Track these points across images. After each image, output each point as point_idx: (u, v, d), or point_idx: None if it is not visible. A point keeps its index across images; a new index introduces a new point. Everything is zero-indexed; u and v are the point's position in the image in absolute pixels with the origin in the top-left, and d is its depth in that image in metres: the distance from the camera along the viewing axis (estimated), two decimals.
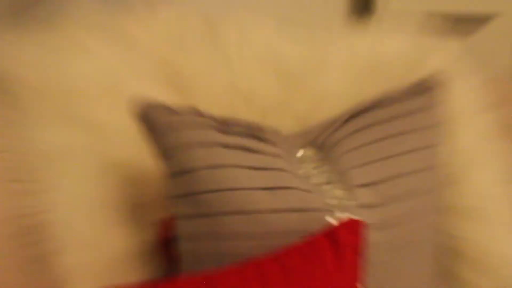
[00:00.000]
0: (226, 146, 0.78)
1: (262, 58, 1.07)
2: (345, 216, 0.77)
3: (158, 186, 0.93)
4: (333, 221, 0.76)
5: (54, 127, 0.87)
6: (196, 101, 1.02)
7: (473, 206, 0.94)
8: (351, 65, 1.01)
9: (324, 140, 0.86)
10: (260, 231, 0.75)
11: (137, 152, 0.92)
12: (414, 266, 0.84)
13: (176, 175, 0.79)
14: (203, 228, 0.77)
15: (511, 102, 1.00)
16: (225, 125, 0.81)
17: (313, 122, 0.97)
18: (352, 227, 0.71)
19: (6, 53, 0.92)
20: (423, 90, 0.90)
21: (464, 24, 1.46)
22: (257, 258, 0.68)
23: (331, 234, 0.70)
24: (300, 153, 0.85)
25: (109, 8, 1.11)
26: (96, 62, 0.96)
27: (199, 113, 0.80)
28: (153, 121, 0.80)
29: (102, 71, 0.95)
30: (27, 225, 0.84)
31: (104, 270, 0.87)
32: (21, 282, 0.83)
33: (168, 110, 0.80)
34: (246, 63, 1.07)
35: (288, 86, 1.03)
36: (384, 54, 1.01)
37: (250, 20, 1.13)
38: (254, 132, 0.81)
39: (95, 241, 0.84)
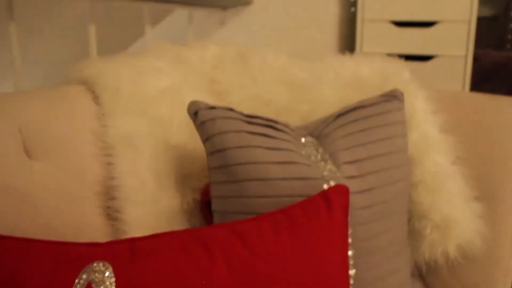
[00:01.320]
0: (250, 132, 0.76)
1: (277, 76, 1.08)
2: (335, 183, 0.72)
3: (201, 162, 0.90)
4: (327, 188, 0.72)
5: (127, 119, 0.86)
6: (230, 105, 1.00)
7: (433, 180, 0.92)
8: (339, 81, 0.99)
9: (320, 131, 0.85)
10: (273, 194, 0.73)
11: (187, 138, 0.89)
12: (389, 224, 0.82)
13: (213, 153, 0.77)
14: (230, 192, 0.75)
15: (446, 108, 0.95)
16: (249, 118, 0.79)
17: (312, 119, 0.94)
18: (340, 191, 0.68)
19: (101, 70, 0.94)
20: (391, 97, 0.86)
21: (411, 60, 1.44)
22: (270, 212, 0.63)
23: (325, 195, 0.67)
24: (303, 140, 0.82)
25: (175, 43, 1.15)
26: (163, 77, 0.94)
27: (231, 110, 0.77)
28: (199, 114, 0.77)
29: (166, 83, 0.96)
30: (108, 185, 0.80)
31: (157, 222, 0.88)
32: (102, 228, 0.79)
33: (210, 107, 0.77)
34: (266, 80, 1.08)
35: (295, 95, 1.05)
36: (362, 73, 0.97)
37: (269, 51, 1.11)
38: (271, 124, 0.80)
39: (150, 200, 0.82)
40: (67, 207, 0.79)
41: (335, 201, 0.69)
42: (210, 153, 0.81)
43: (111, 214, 0.83)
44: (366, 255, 0.80)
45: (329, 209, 0.68)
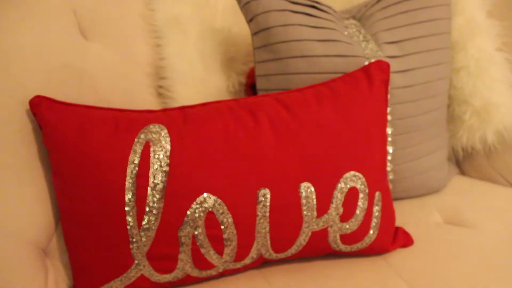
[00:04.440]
0: (294, 11, 0.78)
1: None
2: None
3: (245, 47, 0.92)
4: None
5: (173, 2, 0.86)
6: None
7: (475, 65, 0.91)
8: None
9: (363, 14, 0.86)
10: (315, 70, 0.75)
11: (232, 22, 0.90)
12: (428, 106, 0.83)
13: (258, 33, 0.79)
14: (274, 70, 0.78)
15: None
16: None
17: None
18: (380, 66, 0.71)
19: None
20: None
21: None
22: (313, 84, 0.65)
23: (366, 69, 0.70)
24: (346, 22, 0.81)
25: None
26: None
27: None
28: None
29: None
30: (157, 66, 0.84)
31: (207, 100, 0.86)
32: (155, 106, 0.84)
33: None
34: None
35: None
36: None
37: None
38: (314, 4, 0.82)
39: (198, 80, 0.85)
40: (123, 85, 0.84)
41: (375, 76, 0.71)
42: (254, 33, 0.82)
43: (163, 93, 0.88)
44: (403, 133, 0.82)
45: (369, 82, 0.70)
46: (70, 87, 0.75)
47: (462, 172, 1.00)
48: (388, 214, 0.70)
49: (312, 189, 0.62)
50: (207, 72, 0.90)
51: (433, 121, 0.85)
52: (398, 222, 0.75)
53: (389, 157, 0.81)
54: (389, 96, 0.79)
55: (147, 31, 0.89)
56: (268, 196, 0.62)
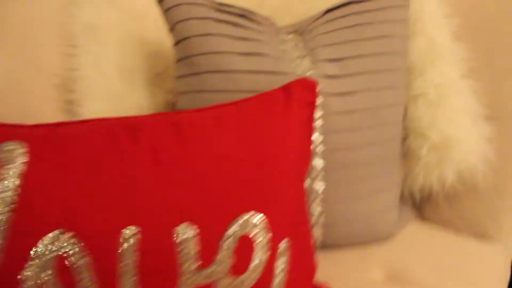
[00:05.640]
0: (217, 20, 0.66)
1: None
2: None
3: (172, 60, 0.80)
4: None
5: (96, 7, 0.76)
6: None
7: (435, 93, 0.78)
8: None
9: (306, 27, 0.71)
10: (235, 88, 0.64)
11: (164, 34, 0.80)
12: (373, 137, 0.69)
13: (178, 43, 0.68)
14: (192, 86, 0.67)
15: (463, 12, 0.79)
16: (222, 6, 0.68)
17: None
18: (305, 85, 0.57)
19: None
20: None
21: None
22: (221, 104, 0.54)
23: (286, 88, 0.57)
24: (284, 36, 0.69)
25: None
26: None
27: None
28: (164, 0, 0.66)
29: None
30: (67, 78, 0.73)
31: None
32: (61, 118, 0.73)
33: None
34: None
35: None
36: None
37: None
38: (246, 14, 0.70)
39: (114, 96, 0.73)
40: (19, 97, 0.73)
41: (297, 96, 0.58)
42: (175, 44, 0.71)
43: (72, 109, 0.77)
44: (339, 168, 0.69)
45: (288, 104, 0.58)
46: None
47: (422, 216, 0.87)
48: (301, 268, 0.57)
49: (193, 232, 0.50)
50: (126, 88, 0.79)
51: (379, 156, 0.72)
52: (325, 277, 0.62)
53: (318, 196, 0.69)
54: (321, 122, 0.67)
55: (61, 38, 0.79)
56: (136, 237, 0.49)
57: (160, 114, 0.58)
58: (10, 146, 0.51)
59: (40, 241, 0.48)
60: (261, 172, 0.54)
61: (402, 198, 0.82)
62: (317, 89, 0.61)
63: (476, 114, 0.78)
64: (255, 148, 0.54)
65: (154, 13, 0.84)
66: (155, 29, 0.84)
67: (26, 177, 0.50)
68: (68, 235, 0.48)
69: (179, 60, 0.71)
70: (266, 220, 0.52)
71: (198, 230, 0.50)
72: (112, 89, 0.77)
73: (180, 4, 0.70)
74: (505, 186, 0.79)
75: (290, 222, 0.56)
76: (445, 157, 0.77)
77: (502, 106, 0.79)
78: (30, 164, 0.50)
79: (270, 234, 0.53)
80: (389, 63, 0.72)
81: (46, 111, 0.76)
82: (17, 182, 0.50)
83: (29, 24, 0.77)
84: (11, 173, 0.50)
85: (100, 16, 0.79)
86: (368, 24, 0.72)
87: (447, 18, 0.81)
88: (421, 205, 0.86)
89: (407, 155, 0.80)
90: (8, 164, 0.50)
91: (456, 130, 0.77)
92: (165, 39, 0.84)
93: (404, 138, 0.80)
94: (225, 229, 0.51)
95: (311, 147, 0.64)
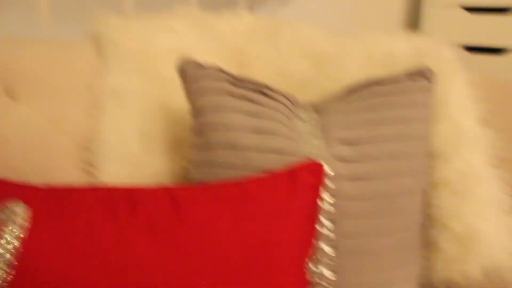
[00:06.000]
0: (232, 95, 0.67)
1: (303, 49, 0.96)
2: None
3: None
4: None
5: (124, 73, 0.79)
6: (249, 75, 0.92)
7: (460, 182, 0.74)
8: (368, 57, 0.86)
9: (324, 106, 0.70)
10: (244, 165, 0.64)
11: (182, 100, 0.82)
12: (389, 225, 0.65)
13: (194, 114, 0.69)
14: (203, 159, 0.67)
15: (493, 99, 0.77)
16: (239, 81, 0.69)
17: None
18: (313, 169, 0.55)
19: (113, 26, 0.89)
20: (417, 76, 0.71)
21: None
22: (224, 182, 0.53)
23: (291, 171, 0.55)
24: (302, 114, 0.69)
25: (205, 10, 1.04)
26: (174, 38, 0.87)
27: (220, 70, 0.69)
28: (184, 72, 0.69)
29: (176, 44, 0.88)
30: (89, 138, 0.75)
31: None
32: (76, 180, 0.74)
33: (197, 65, 0.70)
34: (291, 52, 0.95)
35: (317, 69, 0.92)
36: (395, 51, 0.82)
37: (302, 23, 0.99)
38: (262, 89, 0.69)
39: (132, 161, 0.75)
40: (42, 153, 0.76)
41: (302, 180, 0.57)
42: (191, 115, 0.73)
43: (88, 168, 0.79)
44: (352, 256, 0.66)
45: (292, 188, 0.56)
46: None
47: None
48: None
49: None
50: (145, 153, 0.80)
51: (395, 245, 0.68)
52: None
53: (327, 283, 0.64)
54: (333, 208, 0.64)
55: (88, 100, 0.82)
56: None
57: (162, 188, 0.57)
58: (14, 206, 0.52)
59: None
60: (255, 253, 0.52)
61: None
62: (324, 173, 0.59)
63: (503, 206, 0.73)
64: (253, 231, 0.52)
65: (178, 81, 0.87)
66: (178, 96, 0.86)
67: (25, 240, 0.50)
68: None
69: (193, 130, 0.71)
70: None
71: None
72: (131, 154, 0.78)
73: (199, 77, 0.71)
74: None
75: None
76: (468, 250, 0.71)
77: None
78: (31, 227, 0.51)
79: None
80: (408, 147, 0.69)
81: (65, 169, 0.78)
82: (16, 244, 0.50)
83: (60, 84, 0.81)
84: (11, 235, 0.51)
85: (126, 82, 0.82)
86: (387, 107, 0.70)
87: (474, 103, 0.79)
88: None
89: (427, 245, 0.76)
90: (8, 225, 0.51)
91: (481, 222, 0.72)
92: (187, 107, 0.86)
93: (425, 227, 0.75)
94: None
95: (320, 231, 0.62)
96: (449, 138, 0.76)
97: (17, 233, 0.51)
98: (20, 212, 0.52)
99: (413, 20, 1.53)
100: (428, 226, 0.75)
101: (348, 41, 0.94)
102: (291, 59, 0.96)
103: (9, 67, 0.77)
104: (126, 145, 0.79)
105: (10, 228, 0.51)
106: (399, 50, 0.86)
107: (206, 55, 0.93)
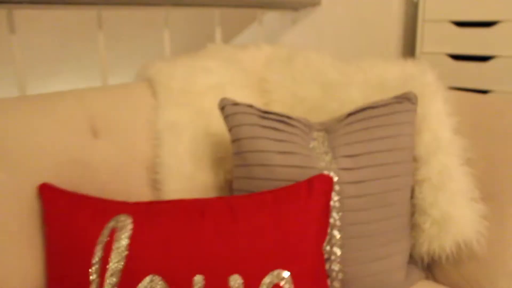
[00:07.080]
0: (262, 126, 0.92)
1: (314, 77, 1.23)
2: (328, 173, 0.89)
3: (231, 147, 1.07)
4: None
5: (174, 110, 1.05)
6: (271, 101, 1.24)
7: (437, 179, 0.99)
8: (366, 82, 1.13)
9: (332, 127, 0.96)
10: (273, 178, 0.89)
11: (225, 128, 1.08)
12: (382, 213, 0.91)
13: (233, 141, 0.94)
14: (243, 174, 0.92)
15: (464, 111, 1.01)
16: (264, 114, 0.95)
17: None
18: (325, 180, 0.81)
19: (160, 70, 1.15)
20: (403, 99, 0.98)
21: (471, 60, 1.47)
22: (263, 191, 0.80)
23: (309, 181, 0.81)
24: (315, 134, 0.95)
25: (231, 46, 1.34)
26: (211, 75, 1.13)
27: (250, 106, 0.94)
28: (225, 109, 0.94)
29: (213, 81, 1.15)
30: (153, 162, 1.02)
31: (192, 195, 1.05)
32: (147, 196, 1.00)
33: (234, 103, 0.94)
34: (304, 80, 1.22)
35: (327, 94, 1.20)
36: (387, 76, 1.08)
37: (313, 53, 1.25)
38: (283, 119, 0.94)
39: (187, 177, 1.01)
40: (121, 176, 1.03)
41: (317, 187, 0.83)
42: (232, 141, 0.99)
43: (156, 186, 1.06)
44: (355, 238, 0.91)
45: (309, 193, 0.82)
46: (74, 175, 0.95)
47: (434, 279, 1.05)
48: None
49: (240, 281, 0.74)
50: (196, 170, 1.07)
51: (388, 229, 0.94)
52: None
53: (337, 258, 0.91)
54: (338, 204, 0.90)
55: (150, 132, 1.09)
56: (202, 283, 0.74)
57: (220, 198, 0.84)
58: (123, 217, 0.80)
59: (140, 283, 0.75)
60: (288, 241, 0.78)
61: (413, 262, 1.02)
62: (333, 182, 0.85)
63: (472, 196, 0.97)
64: (285, 224, 0.79)
65: (217, 112, 1.13)
66: (218, 124, 1.12)
67: (133, 239, 0.77)
68: (158, 278, 0.75)
69: (235, 153, 0.98)
70: (291, 276, 0.76)
71: (243, 280, 0.74)
72: (185, 171, 1.05)
73: (235, 113, 0.97)
74: (502, 255, 0.97)
75: (311, 277, 0.79)
76: (444, 230, 0.96)
77: (495, 190, 0.98)
78: (135, 230, 0.78)
79: (292, 285, 0.76)
80: (397, 157, 0.94)
81: (139, 187, 1.05)
82: (128, 242, 0.77)
83: (128, 121, 1.08)
84: (123, 236, 0.78)
85: (177, 116, 1.08)
86: (379, 127, 0.95)
87: (450, 116, 1.03)
88: (433, 269, 1.05)
89: (414, 227, 1.01)
90: (121, 230, 0.78)
91: (454, 209, 0.96)
92: (225, 132, 1.12)
93: (412, 213, 1.01)
94: (261, 280, 0.75)
95: (330, 221, 0.88)
96: (429, 145, 1.01)
97: (127, 234, 0.78)
98: (127, 221, 0.80)
99: (410, 32, 1.76)
100: (413, 213, 1.01)
101: (351, 68, 1.19)
102: (304, 85, 1.22)
103: (92, 111, 1.04)
104: (181, 165, 1.06)
105: (123, 231, 0.78)
106: (391, 75, 1.10)
107: (237, 87, 1.20)
